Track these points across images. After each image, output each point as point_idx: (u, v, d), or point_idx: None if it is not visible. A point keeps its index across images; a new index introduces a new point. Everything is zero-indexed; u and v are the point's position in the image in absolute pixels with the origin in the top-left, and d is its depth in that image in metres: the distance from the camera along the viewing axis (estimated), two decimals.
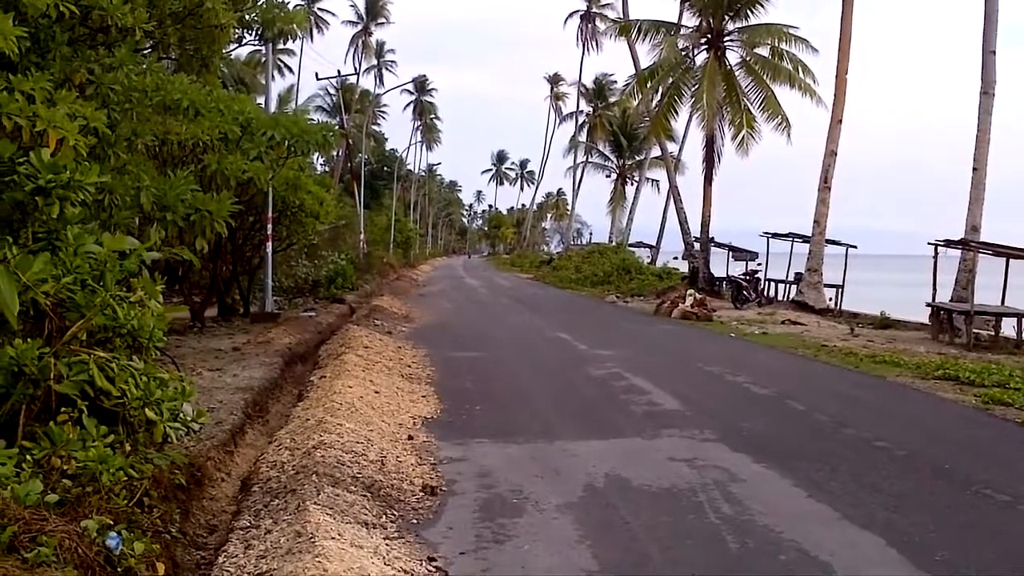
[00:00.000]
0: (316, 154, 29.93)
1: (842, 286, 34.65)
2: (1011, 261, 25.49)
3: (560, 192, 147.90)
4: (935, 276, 26.63)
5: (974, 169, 28.82)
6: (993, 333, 24.85)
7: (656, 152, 61.82)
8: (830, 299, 34.73)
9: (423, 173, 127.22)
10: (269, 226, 21.13)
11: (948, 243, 27.01)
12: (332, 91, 73.53)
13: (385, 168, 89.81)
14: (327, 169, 69.04)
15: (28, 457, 5.94)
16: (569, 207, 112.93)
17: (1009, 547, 7.40)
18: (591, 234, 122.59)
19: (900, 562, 6.92)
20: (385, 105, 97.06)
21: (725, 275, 41.62)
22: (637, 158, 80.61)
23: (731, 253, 42.37)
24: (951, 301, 27.22)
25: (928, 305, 26.95)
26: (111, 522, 5.48)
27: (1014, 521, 8.14)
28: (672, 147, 57.63)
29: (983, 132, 28.66)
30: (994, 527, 7.95)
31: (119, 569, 5.25)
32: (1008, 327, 24.72)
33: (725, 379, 16.37)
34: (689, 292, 32.89)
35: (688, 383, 15.76)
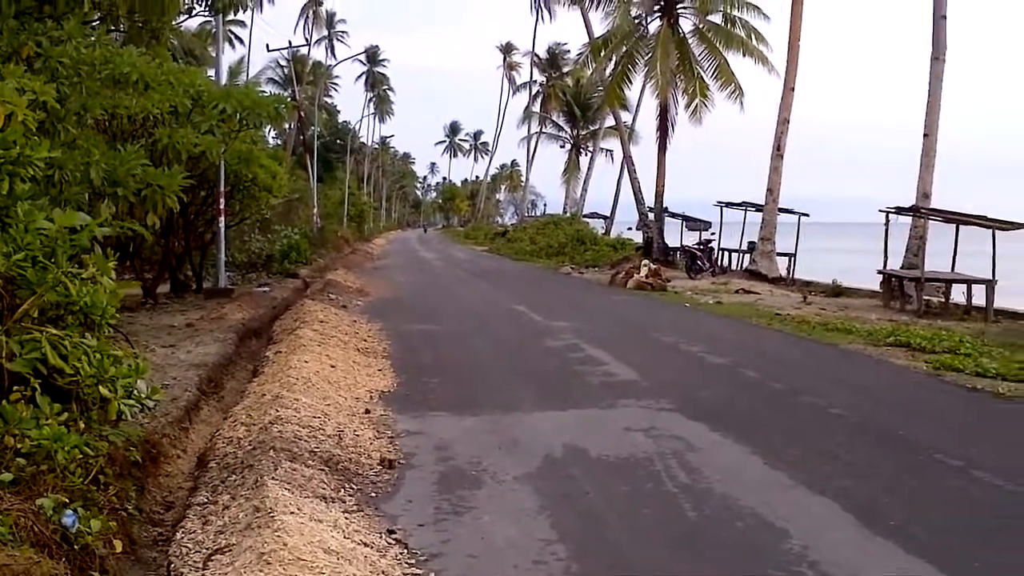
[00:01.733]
0: (268, 127, 29.70)
1: (795, 255, 34.92)
2: (961, 228, 25.80)
3: (514, 163, 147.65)
4: (886, 243, 26.94)
5: (925, 135, 29.04)
6: (943, 299, 25.20)
7: (610, 122, 61.87)
8: (783, 268, 34.99)
9: (376, 145, 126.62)
10: (222, 200, 20.91)
11: (899, 210, 27.27)
12: (283, 63, 72.94)
13: (338, 141, 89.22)
14: (280, 142, 68.38)
15: None
16: (523, 178, 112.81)
17: (961, 511, 7.52)
18: (545, 205, 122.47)
19: (854, 526, 7.00)
20: (337, 77, 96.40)
21: (679, 245, 41.79)
22: (591, 128, 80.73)
23: (685, 223, 42.51)
24: (902, 268, 27.50)
25: (879, 272, 27.28)
26: (67, 500, 5.42)
27: (965, 486, 8.27)
28: (626, 116, 57.78)
29: (934, 98, 28.86)
30: (946, 492, 8.07)
31: (76, 547, 5.21)
32: (958, 293, 25.04)
33: (680, 349, 16.48)
34: (644, 262, 33.01)
35: (644, 353, 15.84)
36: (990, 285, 23.37)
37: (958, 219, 25.88)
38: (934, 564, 6.24)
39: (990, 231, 24.32)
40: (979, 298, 23.76)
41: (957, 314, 23.54)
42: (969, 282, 24.68)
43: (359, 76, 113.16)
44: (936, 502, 7.75)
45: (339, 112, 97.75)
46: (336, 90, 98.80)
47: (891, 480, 8.34)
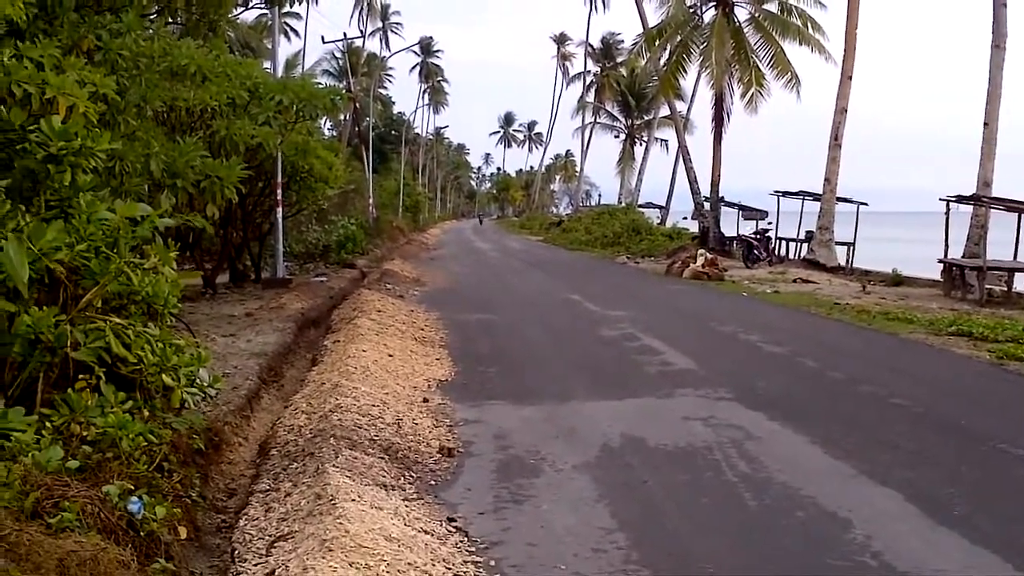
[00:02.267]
0: (324, 118, 29.88)
1: (853, 244, 34.49)
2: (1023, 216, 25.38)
3: (568, 154, 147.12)
4: (947, 232, 26.55)
5: (985, 124, 28.61)
6: (1006, 288, 24.80)
7: (664, 111, 61.72)
8: (842, 257, 34.62)
9: (431, 136, 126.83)
10: (279, 191, 21.07)
11: (960, 199, 26.87)
12: (338, 55, 73.15)
13: (393, 132, 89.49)
14: (335, 134, 68.76)
15: (47, 424, 5.95)
16: (578, 168, 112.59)
17: None
18: (600, 195, 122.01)
19: (918, 516, 6.93)
20: (391, 68, 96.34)
21: (736, 234, 41.46)
22: (645, 118, 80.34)
23: (741, 212, 42.21)
24: (963, 257, 27.12)
25: (940, 261, 26.87)
26: (132, 487, 5.49)
27: None
28: (681, 106, 57.28)
29: (994, 87, 28.42)
30: (1011, 482, 7.97)
31: (141, 533, 5.27)
32: (1021, 282, 24.63)
33: (738, 338, 16.37)
34: (700, 252, 32.82)
35: (701, 343, 15.77)
36: None
37: (1020, 207, 25.45)
38: (999, 554, 6.16)
39: None
40: None
41: (1020, 303, 23.14)
42: None
43: (413, 67, 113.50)
44: (1000, 492, 7.64)
45: (394, 103, 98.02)
46: (391, 81, 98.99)
47: (954, 470, 8.24)
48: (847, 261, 34.24)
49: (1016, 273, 24.84)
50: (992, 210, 27.28)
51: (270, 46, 29.80)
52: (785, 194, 39.50)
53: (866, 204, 35.61)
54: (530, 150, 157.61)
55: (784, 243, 39.45)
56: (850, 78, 34.57)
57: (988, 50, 28.56)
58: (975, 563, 6.05)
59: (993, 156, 28.65)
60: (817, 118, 37.55)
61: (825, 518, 6.87)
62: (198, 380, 7.30)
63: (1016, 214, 25.55)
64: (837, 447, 8.86)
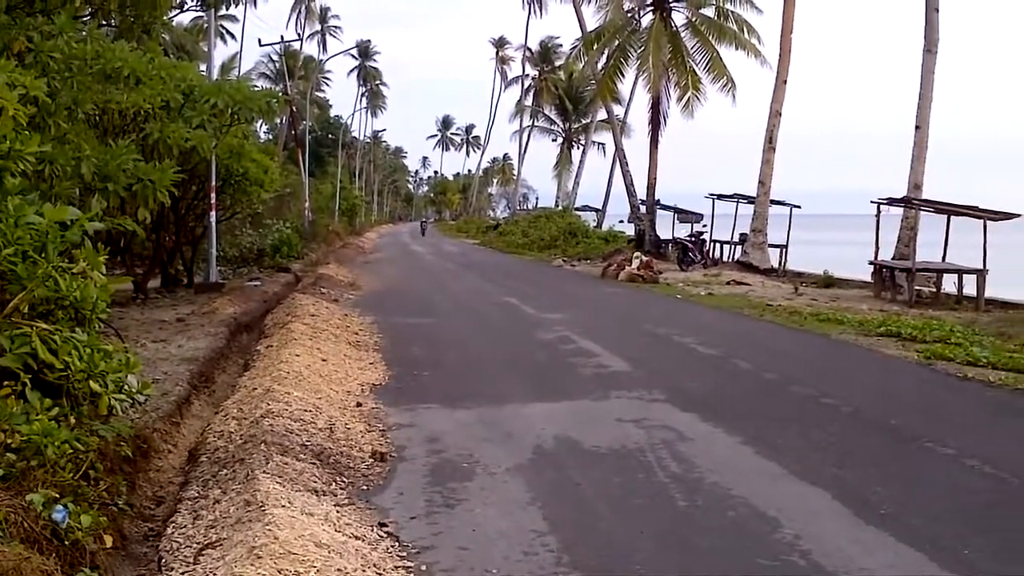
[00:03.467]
0: (260, 121, 29.64)
1: (786, 246, 34.92)
2: (952, 218, 25.84)
3: (506, 157, 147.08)
4: (877, 235, 26.98)
5: (916, 127, 29.07)
6: (934, 290, 25.28)
7: (602, 115, 61.78)
8: (775, 259, 35.01)
9: (368, 140, 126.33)
10: (213, 195, 20.87)
11: (891, 201, 27.31)
12: (275, 57, 72.63)
13: (330, 135, 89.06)
14: (271, 137, 68.31)
15: None
16: (515, 172, 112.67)
17: (953, 499, 7.53)
18: (537, 199, 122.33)
19: (846, 515, 7.01)
20: (329, 71, 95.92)
21: (671, 237, 41.77)
22: (583, 121, 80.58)
23: (677, 215, 42.54)
24: (893, 259, 27.54)
25: (871, 263, 27.29)
26: (57, 495, 5.41)
27: (958, 474, 8.29)
28: (618, 110, 57.56)
29: (925, 91, 28.87)
30: (938, 480, 8.09)
31: (66, 542, 5.19)
32: (949, 284, 25.07)
33: (672, 340, 16.49)
34: (635, 255, 33.06)
35: (636, 345, 15.85)
36: (981, 275, 23.40)
37: (949, 210, 25.91)
38: (925, 552, 6.24)
39: (981, 221, 24.34)
40: (970, 288, 23.79)
41: (948, 304, 23.57)
42: (960, 272, 24.70)
43: (351, 71, 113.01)
44: (928, 490, 7.76)
45: (331, 107, 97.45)
46: (328, 85, 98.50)
47: (883, 469, 8.35)
48: (780, 263, 34.65)
49: (945, 274, 25.27)
50: (922, 212, 27.73)
51: (206, 49, 29.49)
52: (720, 197, 39.89)
53: (799, 207, 36.08)
54: (468, 153, 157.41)
55: (719, 245, 39.84)
56: (785, 82, 34.97)
57: (920, 54, 29.03)
58: (901, 561, 6.13)
59: (924, 159, 29.12)
60: (753, 121, 37.95)
61: (755, 517, 6.93)
62: (126, 386, 7.20)
63: (945, 216, 26.01)
64: (768, 447, 8.95)
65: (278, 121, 61.40)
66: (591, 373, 12.98)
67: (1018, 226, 26.21)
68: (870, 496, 7.48)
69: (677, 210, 42.61)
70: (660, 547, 6.38)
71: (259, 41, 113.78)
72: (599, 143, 78.30)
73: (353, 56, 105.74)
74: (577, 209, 66.87)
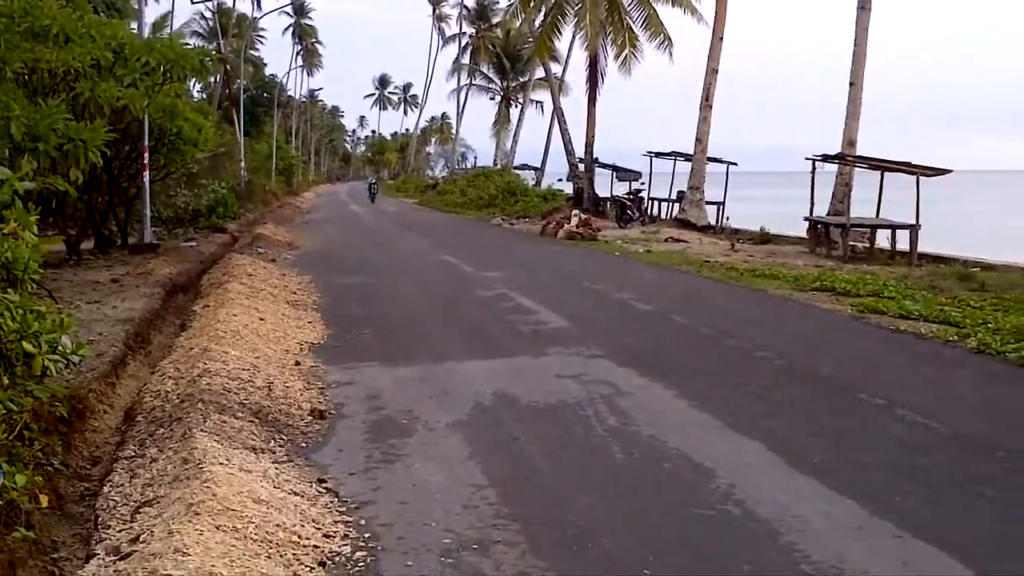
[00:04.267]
0: (193, 80, 29.17)
1: (723, 203, 35.19)
2: (886, 174, 26.18)
3: (444, 116, 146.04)
4: (813, 191, 27.28)
5: (851, 84, 29.32)
6: (868, 245, 25.62)
7: (540, 74, 61.58)
8: (712, 216, 35.27)
9: (304, 99, 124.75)
10: (146, 155, 20.54)
11: (825, 158, 27.60)
12: (208, 15, 71.44)
13: (265, 94, 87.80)
14: (205, 96, 67.28)
15: None
16: (454, 131, 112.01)
17: (883, 449, 7.68)
18: (476, 158, 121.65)
19: (780, 465, 7.15)
20: (263, 29, 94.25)
21: (610, 195, 41.88)
22: (521, 80, 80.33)
23: (615, 173, 42.61)
24: (828, 215, 27.87)
25: (806, 219, 27.61)
26: None
27: (888, 424, 8.45)
28: (556, 68, 57.57)
29: (860, 47, 29.09)
30: (869, 431, 8.23)
31: (1, 502, 5.15)
32: (883, 239, 25.45)
33: (610, 297, 16.59)
34: (574, 213, 33.14)
35: (574, 302, 15.93)
36: (914, 230, 23.75)
37: (883, 166, 26.23)
38: (856, 500, 6.37)
39: (914, 177, 24.69)
40: (904, 243, 24.16)
41: (882, 259, 23.92)
42: (893, 227, 25.06)
43: (286, 28, 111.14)
44: (859, 440, 7.90)
45: (266, 65, 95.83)
46: (263, 43, 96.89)
47: (815, 420, 8.51)
48: (717, 220, 34.90)
49: (878, 230, 25.64)
50: (857, 169, 28.06)
51: (136, 6, 28.92)
52: (658, 155, 40.06)
53: (736, 164, 36.36)
54: (405, 112, 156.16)
55: (657, 203, 40.04)
56: (721, 39, 35.01)
57: (855, 12, 29.22)
58: (832, 509, 6.26)
59: (858, 116, 29.39)
60: (691, 79, 38.09)
61: (691, 468, 7.04)
62: (60, 347, 7.10)
63: (879, 172, 26.34)
64: (704, 400, 9.06)
65: (212, 80, 60.52)
66: (530, 330, 13.04)
67: (950, 181, 26.66)
68: (803, 446, 7.62)
69: (616, 168, 42.69)
70: (597, 499, 6.45)
71: None
72: (537, 101, 78.08)
73: (288, 13, 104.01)
74: (516, 168, 66.79)
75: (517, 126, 74.92)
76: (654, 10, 40.76)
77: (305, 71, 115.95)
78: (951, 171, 26.29)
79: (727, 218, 33.87)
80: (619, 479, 6.88)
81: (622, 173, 41.96)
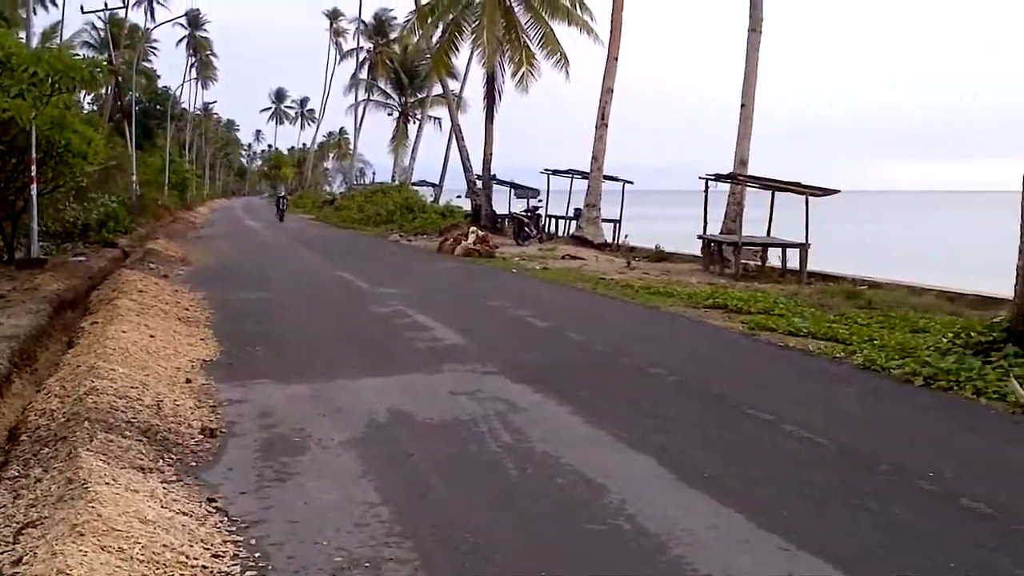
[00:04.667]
0: (83, 92, 28.57)
1: (620, 221, 35.64)
2: (777, 194, 26.78)
3: (342, 131, 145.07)
4: (706, 210, 27.80)
5: (742, 105, 29.96)
6: (760, 263, 26.17)
7: (438, 90, 61.57)
8: (609, 234, 35.66)
9: (199, 112, 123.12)
10: (33, 167, 20.05)
11: (718, 177, 28.17)
12: (100, 25, 70.14)
13: (158, 107, 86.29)
14: (96, 108, 65.91)
15: None
16: (351, 146, 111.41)
17: (771, 463, 7.84)
18: (374, 173, 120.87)
19: (670, 480, 7.25)
20: (156, 41, 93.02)
21: (508, 212, 42.09)
22: (419, 96, 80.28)
23: (514, 190, 42.89)
24: (721, 233, 28.40)
25: (700, 238, 28.09)
26: None
27: (777, 439, 8.62)
28: (454, 85, 57.71)
29: (751, 69, 29.75)
30: (758, 446, 8.40)
31: None
32: (775, 257, 26.04)
33: (506, 313, 16.67)
34: (471, 229, 33.20)
35: (470, 318, 15.97)
36: (804, 248, 24.38)
37: (773, 186, 26.86)
38: (744, 513, 6.48)
39: (804, 197, 25.33)
40: (794, 261, 24.74)
41: (773, 277, 24.48)
42: (784, 246, 25.68)
43: (180, 40, 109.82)
44: (748, 455, 8.06)
45: (159, 77, 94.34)
46: (156, 55, 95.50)
47: (706, 435, 8.66)
48: (614, 238, 35.31)
49: (770, 248, 26.22)
50: (750, 188, 28.65)
51: (24, 15, 28.27)
52: (555, 172, 40.47)
53: (632, 183, 36.89)
54: (302, 127, 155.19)
55: (554, 220, 40.41)
56: (616, 59, 35.53)
57: (746, 33, 29.86)
58: (722, 522, 6.36)
59: (749, 136, 30.03)
60: (590, 98, 38.51)
61: (583, 484, 7.10)
62: None
63: (770, 192, 26.94)
64: (597, 416, 9.15)
65: (103, 92, 59.30)
66: (425, 347, 13.03)
67: (846, 201, 27.35)
68: (693, 461, 7.73)
69: (514, 185, 42.94)
70: (490, 515, 6.48)
71: (81, 8, 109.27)
72: (435, 118, 78.17)
73: (182, 25, 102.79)
74: (414, 184, 66.70)
75: (415, 142, 74.94)
76: (551, 29, 41.22)
77: (199, 84, 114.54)
78: (839, 191, 27.11)
79: (625, 236, 34.32)
80: (512, 495, 6.90)
81: (521, 190, 42.24)
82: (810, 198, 25.40)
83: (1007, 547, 6.02)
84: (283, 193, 62.87)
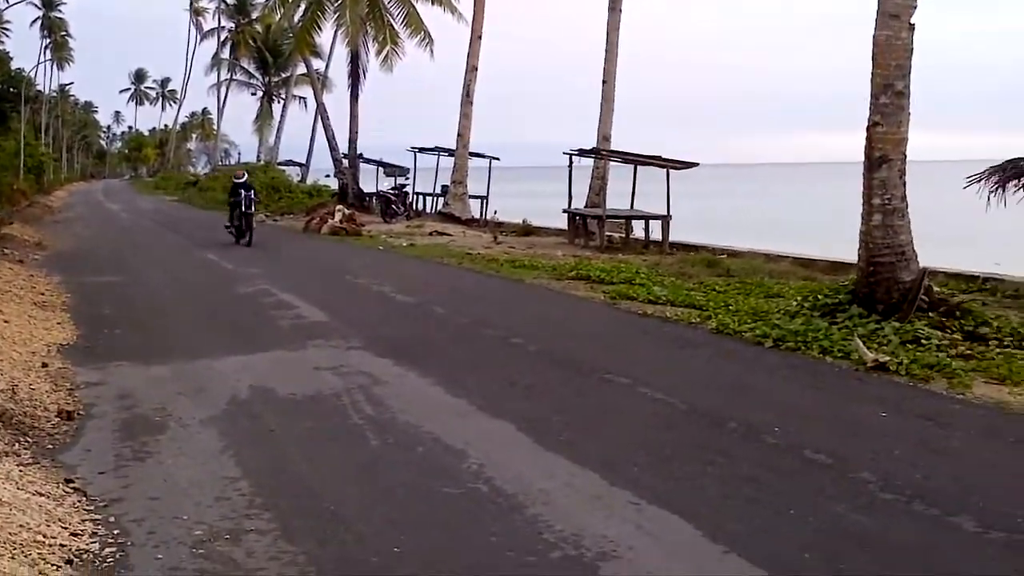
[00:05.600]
0: None
1: (487, 197, 35.85)
2: (639, 167, 27.29)
3: (205, 111, 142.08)
4: (570, 184, 28.19)
5: (604, 82, 30.26)
6: (624, 235, 26.64)
7: (302, 69, 60.86)
8: (476, 210, 35.85)
9: (55, 94, 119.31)
10: None
11: (581, 152, 28.51)
12: None
13: (12, 89, 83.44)
14: None
15: None
16: (215, 127, 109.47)
17: (625, 425, 8.10)
18: (240, 154, 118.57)
19: (527, 444, 7.46)
20: (9, 21, 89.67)
21: (375, 190, 41.92)
22: (283, 75, 79.09)
23: (382, 169, 42.72)
24: (586, 207, 28.78)
25: (565, 212, 28.46)
26: None
27: (631, 401, 8.92)
28: (318, 64, 57.10)
29: (611, 46, 30.07)
30: (613, 408, 8.68)
31: None
32: (639, 229, 26.58)
33: (372, 290, 16.72)
34: (338, 208, 33.05)
35: (336, 296, 15.98)
36: (665, 220, 24.95)
37: (635, 159, 27.34)
38: (598, 472, 6.72)
39: (665, 170, 25.86)
40: (657, 233, 25.29)
41: (636, 248, 24.96)
42: (647, 218, 26.22)
43: (34, 21, 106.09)
44: (604, 418, 8.31)
45: (12, 59, 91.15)
46: (8, 36, 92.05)
47: (564, 400, 8.89)
48: (482, 214, 35.51)
49: (633, 220, 26.73)
50: (612, 162, 29.08)
51: None
52: (422, 150, 40.50)
53: (498, 159, 37.11)
54: (164, 108, 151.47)
55: (421, 198, 40.44)
56: (480, 37, 35.65)
57: (606, 12, 30.20)
58: (576, 481, 6.58)
59: (612, 111, 30.36)
60: (457, 76, 38.39)
61: (443, 451, 7.25)
62: None
63: (632, 166, 27.43)
64: (458, 386, 9.31)
65: None
66: (289, 325, 13.03)
67: (700, 175, 27.99)
68: (551, 425, 7.95)
69: (381, 164, 42.79)
70: (351, 485, 6.58)
71: None
72: (301, 97, 76.94)
73: (36, 5, 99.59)
74: (281, 164, 65.81)
75: (280, 122, 73.93)
76: (414, 8, 41.11)
77: (55, 65, 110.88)
78: (697, 164, 27.77)
79: (494, 212, 34.56)
80: (374, 464, 7.02)
81: (389, 168, 42.10)
82: (671, 171, 25.94)
83: (843, 494, 6.36)
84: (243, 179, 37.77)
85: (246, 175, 28.44)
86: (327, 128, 46.09)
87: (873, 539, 5.62)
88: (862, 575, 5.19)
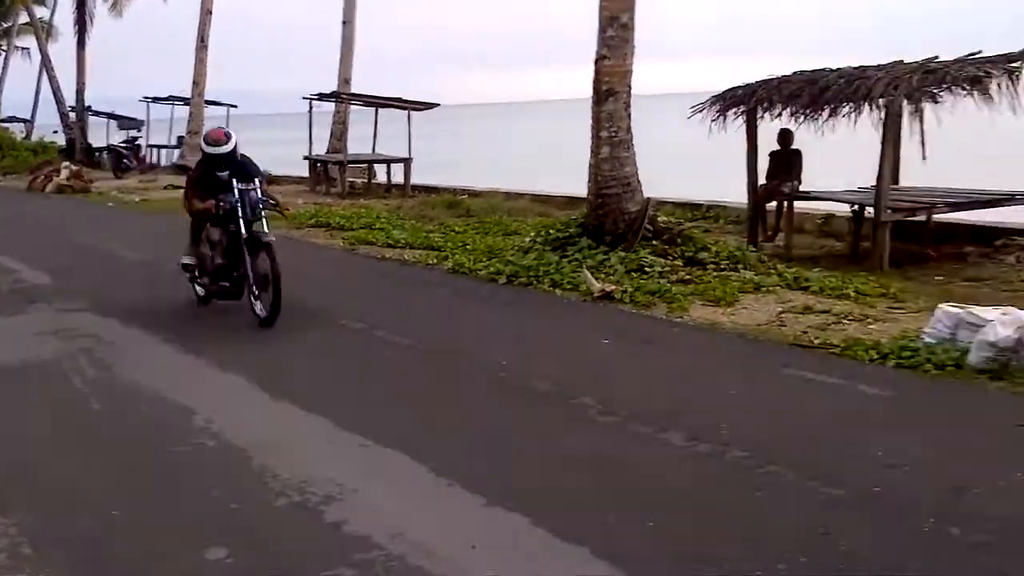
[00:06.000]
0: None
1: None
2: (381, 111, 27.22)
3: None
4: (311, 130, 27.80)
5: (344, 23, 29.81)
6: (367, 180, 26.58)
7: (25, 18, 57.37)
8: None
9: None
10: None
11: (321, 96, 28.22)
12: None
13: None
14: None
15: None
16: None
17: (358, 368, 8.23)
18: None
19: (257, 395, 7.44)
20: None
21: (106, 144, 40.11)
22: (4, 25, 74.38)
23: (116, 121, 40.94)
24: (327, 153, 28.47)
25: (305, 158, 28.06)
26: None
27: (365, 344, 9.03)
28: (42, 12, 53.93)
29: None
30: (346, 353, 8.81)
31: None
32: (382, 173, 26.57)
33: (97, 248, 16.00)
34: (64, 164, 31.49)
35: (59, 257, 15.14)
36: (407, 163, 25.02)
37: (376, 102, 27.30)
38: (328, 417, 6.75)
39: (406, 112, 25.90)
40: (399, 176, 25.34)
41: (379, 192, 24.99)
42: (388, 161, 26.27)
43: None
44: (336, 363, 8.39)
45: None
46: None
47: (298, 348, 8.89)
48: None
49: (375, 165, 26.68)
50: (354, 106, 28.86)
51: None
52: (155, 100, 39.11)
53: (235, 106, 36.28)
54: None
55: (156, 150, 39.01)
56: None
57: None
58: (305, 428, 6.64)
59: (352, 54, 29.98)
60: (191, 21, 36.93)
61: (170, 409, 7.08)
62: None
63: (374, 109, 27.33)
64: (188, 341, 9.11)
65: None
66: (8, 289, 12.32)
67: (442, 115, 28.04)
68: (280, 375, 7.89)
69: (113, 116, 41.03)
70: (72, 450, 6.35)
71: None
72: (24, 48, 72.53)
73: None
74: (3, 121, 61.98)
75: (1, 76, 69.59)
76: None
77: None
78: (438, 104, 27.90)
79: None
80: (97, 428, 6.83)
81: (122, 121, 40.44)
82: (412, 113, 25.97)
83: (561, 417, 6.69)
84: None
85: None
86: (52, 80, 43.75)
87: (588, 459, 5.87)
88: (576, 494, 5.38)
